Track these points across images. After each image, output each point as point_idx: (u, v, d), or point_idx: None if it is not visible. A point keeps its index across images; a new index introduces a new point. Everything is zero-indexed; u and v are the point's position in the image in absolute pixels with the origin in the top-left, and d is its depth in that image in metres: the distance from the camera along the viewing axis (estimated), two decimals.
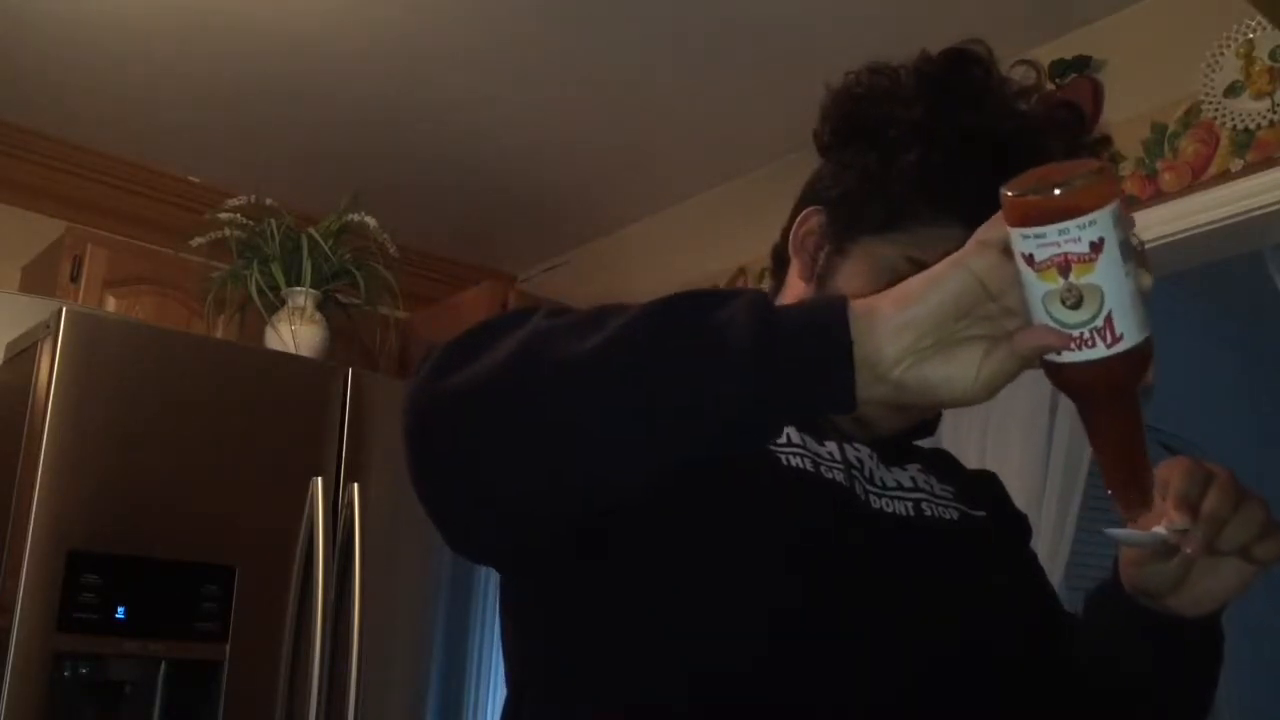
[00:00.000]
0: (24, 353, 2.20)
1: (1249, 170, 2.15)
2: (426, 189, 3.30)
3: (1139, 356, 0.59)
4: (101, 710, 2.09)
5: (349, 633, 2.27)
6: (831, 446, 0.87)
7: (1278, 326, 3.23)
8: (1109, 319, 0.58)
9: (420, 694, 2.46)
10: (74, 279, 2.76)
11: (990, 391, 0.61)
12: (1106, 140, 0.89)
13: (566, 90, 2.80)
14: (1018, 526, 1.01)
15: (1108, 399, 0.62)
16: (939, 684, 0.80)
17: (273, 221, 2.67)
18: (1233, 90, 2.18)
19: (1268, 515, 0.76)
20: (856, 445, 0.89)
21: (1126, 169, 2.29)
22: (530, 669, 0.85)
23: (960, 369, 0.60)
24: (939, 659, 0.81)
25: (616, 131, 2.98)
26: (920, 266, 0.66)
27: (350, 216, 2.74)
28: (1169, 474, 0.76)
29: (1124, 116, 2.31)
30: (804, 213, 0.94)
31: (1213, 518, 0.74)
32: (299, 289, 2.64)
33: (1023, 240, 0.58)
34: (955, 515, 0.90)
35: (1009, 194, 0.59)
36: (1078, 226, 0.56)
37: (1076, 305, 0.58)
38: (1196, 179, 2.22)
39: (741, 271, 3.09)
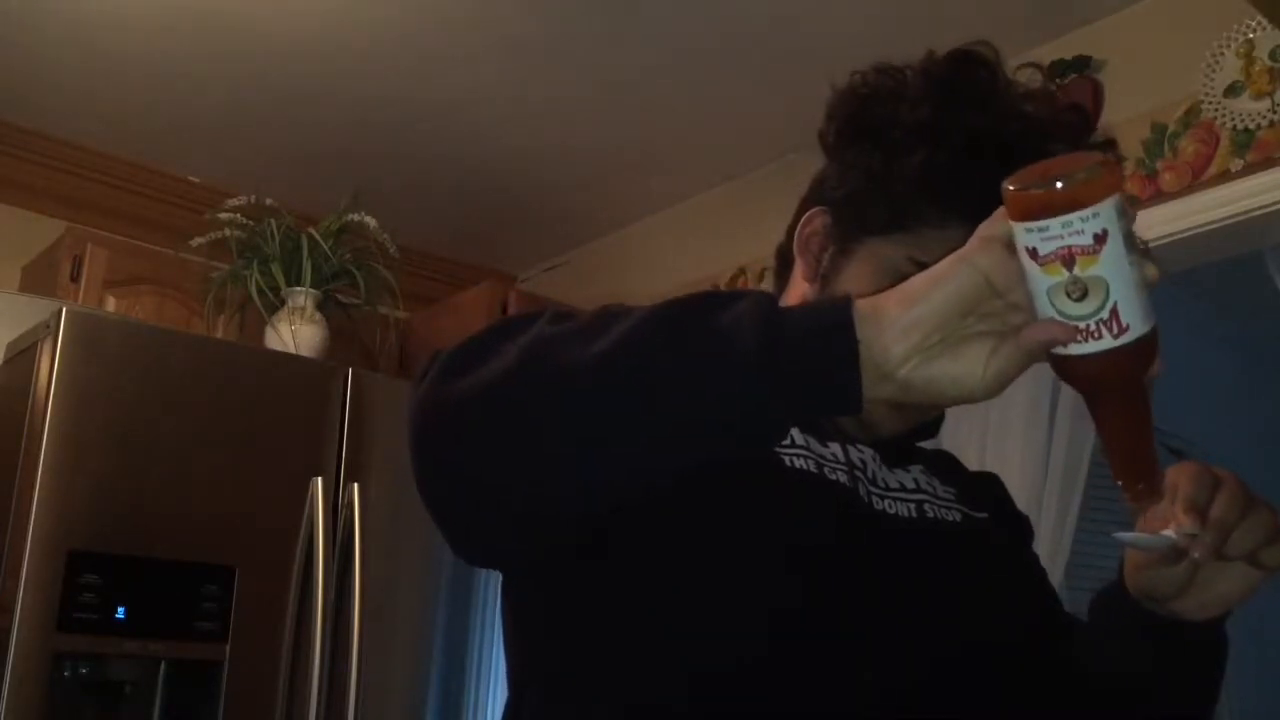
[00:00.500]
0: (24, 353, 2.20)
1: (1249, 170, 2.15)
2: (426, 189, 3.30)
3: (1146, 346, 0.59)
4: (101, 710, 2.09)
5: (349, 633, 2.27)
6: (835, 448, 0.87)
7: (1278, 326, 3.23)
8: (1115, 310, 0.58)
9: (420, 694, 2.46)
10: (74, 279, 2.76)
11: (998, 388, 0.61)
12: (1112, 143, 0.89)
13: (566, 90, 2.80)
14: (1019, 528, 1.01)
15: (1115, 390, 0.62)
16: (940, 685, 0.80)
17: (273, 221, 2.67)
18: (1233, 90, 2.18)
19: (1275, 521, 0.76)
20: (860, 447, 0.89)
21: (1126, 169, 2.29)
22: (531, 668, 0.85)
23: (967, 366, 0.60)
24: (940, 660, 0.81)
25: (616, 131, 2.98)
26: (924, 268, 0.65)
27: (350, 216, 2.74)
28: (1177, 479, 0.76)
29: (1124, 116, 2.30)
30: (809, 213, 0.94)
31: (1221, 523, 0.74)
32: (299, 289, 2.64)
33: (1026, 235, 0.58)
34: (958, 517, 0.90)
35: (1011, 189, 0.59)
36: (1081, 219, 0.56)
37: (1082, 298, 0.58)
38: (1196, 179, 2.22)
39: (741, 271, 3.09)
